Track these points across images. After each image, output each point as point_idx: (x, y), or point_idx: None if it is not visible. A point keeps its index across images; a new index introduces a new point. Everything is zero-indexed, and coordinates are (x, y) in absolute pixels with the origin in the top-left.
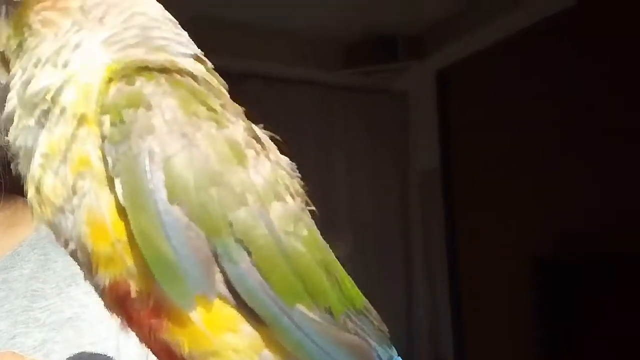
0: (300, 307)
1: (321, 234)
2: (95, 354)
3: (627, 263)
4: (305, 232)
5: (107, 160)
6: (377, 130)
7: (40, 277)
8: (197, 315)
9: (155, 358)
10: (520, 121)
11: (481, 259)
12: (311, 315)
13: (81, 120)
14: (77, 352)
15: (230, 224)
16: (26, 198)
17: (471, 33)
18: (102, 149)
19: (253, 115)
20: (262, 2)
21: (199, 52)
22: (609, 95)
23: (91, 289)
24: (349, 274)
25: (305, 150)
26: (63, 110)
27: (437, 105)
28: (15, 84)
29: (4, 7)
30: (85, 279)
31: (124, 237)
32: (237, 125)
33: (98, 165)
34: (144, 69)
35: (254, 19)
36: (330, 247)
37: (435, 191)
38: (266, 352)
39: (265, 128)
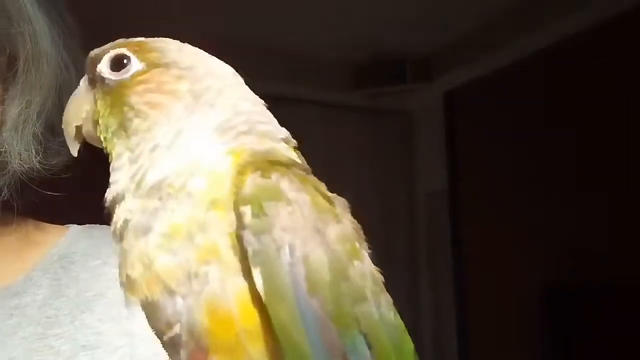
0: None
1: None
2: None
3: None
4: (400, 321)
5: (243, 249)
6: (384, 152)
7: (54, 303)
8: None
9: None
10: (528, 143)
11: (489, 283)
12: None
13: (211, 205)
14: None
15: (357, 319)
16: (36, 220)
17: (478, 56)
18: (240, 238)
19: None
20: (272, 24)
21: (285, 131)
22: (619, 117)
23: (104, 317)
24: None
25: (312, 169)
26: (189, 195)
27: (445, 126)
28: (123, 165)
29: (84, 82)
30: None
31: (252, 327)
32: (347, 219)
33: (227, 254)
34: (273, 162)
35: (264, 40)
36: None
37: (442, 213)
38: None
39: None
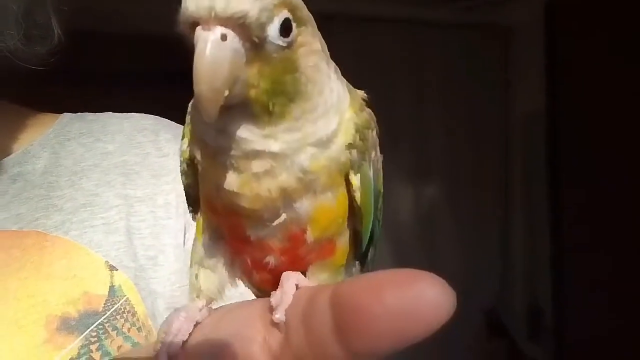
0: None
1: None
2: (108, 233)
3: None
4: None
5: (350, 162)
6: (477, 70)
7: (53, 171)
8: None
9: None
10: (637, 57)
11: (587, 209)
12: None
13: (345, 147)
14: (92, 230)
15: (378, 178)
16: (39, 112)
17: None
18: (350, 153)
19: (355, 56)
20: None
21: None
22: None
23: (100, 182)
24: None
25: (400, 92)
26: (330, 142)
27: (545, 40)
28: (301, 126)
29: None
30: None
31: (342, 213)
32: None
33: (338, 179)
34: (363, 103)
35: None
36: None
37: (539, 135)
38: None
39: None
